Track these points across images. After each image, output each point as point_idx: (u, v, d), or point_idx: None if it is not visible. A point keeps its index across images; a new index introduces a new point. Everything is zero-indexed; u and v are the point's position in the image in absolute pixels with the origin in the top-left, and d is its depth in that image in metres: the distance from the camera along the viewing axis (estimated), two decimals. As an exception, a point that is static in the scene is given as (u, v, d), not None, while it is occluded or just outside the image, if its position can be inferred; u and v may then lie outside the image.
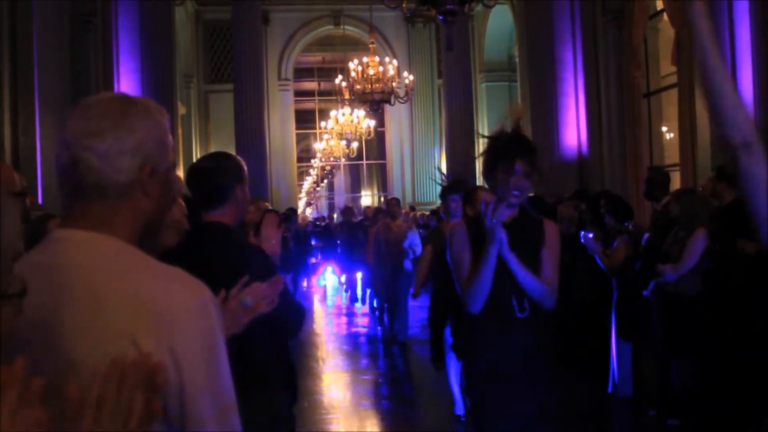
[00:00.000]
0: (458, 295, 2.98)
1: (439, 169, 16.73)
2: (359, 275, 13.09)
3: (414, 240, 9.05)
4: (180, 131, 15.74)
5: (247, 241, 2.83)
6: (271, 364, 2.71)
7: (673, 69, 10.58)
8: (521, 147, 2.95)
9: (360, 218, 15.12)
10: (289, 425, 2.88)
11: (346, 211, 15.04)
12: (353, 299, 13.68)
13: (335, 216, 19.74)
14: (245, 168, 2.72)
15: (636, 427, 5.85)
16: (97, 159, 1.24)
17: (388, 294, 9.49)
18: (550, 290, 2.91)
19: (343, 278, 15.35)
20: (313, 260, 17.03)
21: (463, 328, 3.20)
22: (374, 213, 12.67)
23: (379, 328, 10.45)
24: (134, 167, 1.26)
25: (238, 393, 1.29)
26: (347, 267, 13.69)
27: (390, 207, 9.72)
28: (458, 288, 2.96)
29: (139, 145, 1.27)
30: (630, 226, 6.00)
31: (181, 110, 17.13)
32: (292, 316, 2.62)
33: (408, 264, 9.14)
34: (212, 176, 2.60)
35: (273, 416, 2.62)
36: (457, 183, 5.91)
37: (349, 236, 13.08)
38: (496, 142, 3.01)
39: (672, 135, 12.84)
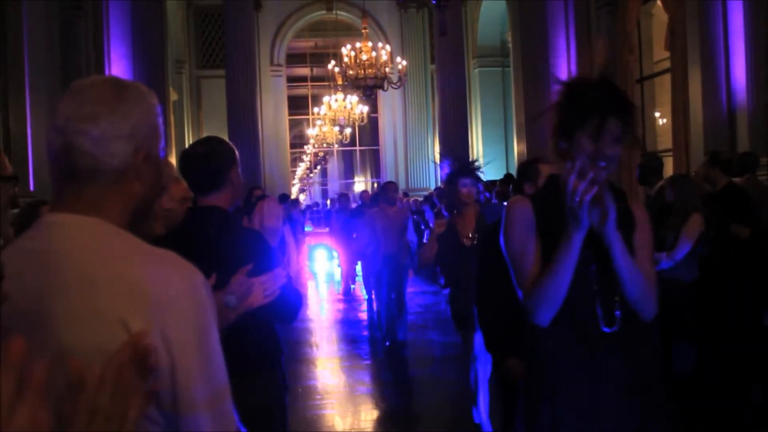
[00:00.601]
0: (510, 300, 2.17)
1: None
2: (358, 267, 11.91)
3: (410, 229, 8.33)
4: (172, 118, 15.68)
5: (241, 223, 2.83)
6: (263, 350, 2.72)
7: (667, 54, 10.57)
8: (613, 100, 2.08)
9: (357, 204, 14.36)
10: (282, 411, 2.88)
11: (342, 198, 14.09)
12: (347, 291, 12.96)
13: (329, 203, 19.38)
14: (237, 152, 2.74)
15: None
16: (91, 144, 1.23)
17: (383, 289, 8.41)
18: (654, 291, 2.08)
19: (338, 266, 14.77)
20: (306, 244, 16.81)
21: (526, 348, 2.17)
22: (372, 198, 11.65)
23: (367, 325, 9.56)
24: (129, 152, 1.26)
25: (230, 379, 1.29)
26: (345, 257, 12.83)
27: (386, 192, 8.70)
28: (518, 290, 2.10)
29: (133, 131, 1.26)
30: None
31: (173, 96, 17.05)
32: (288, 305, 2.62)
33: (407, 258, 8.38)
34: (208, 161, 2.61)
35: (265, 402, 2.63)
36: (469, 165, 5.05)
37: (346, 225, 12.10)
38: (578, 91, 2.14)
39: (665, 120, 12.86)
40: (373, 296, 8.98)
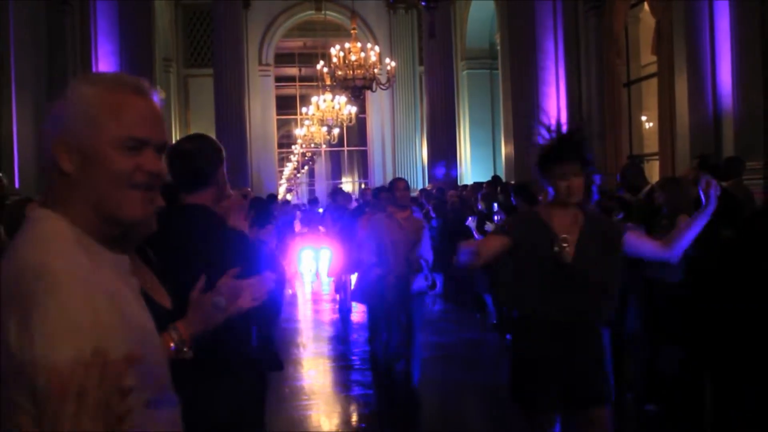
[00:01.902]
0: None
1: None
2: (354, 278, 9.67)
3: (425, 245, 6.28)
4: (159, 116, 15.59)
5: (225, 222, 2.79)
6: (238, 351, 2.69)
7: (654, 58, 10.65)
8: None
9: (358, 203, 12.30)
10: (256, 414, 2.84)
11: (338, 195, 11.09)
12: (343, 309, 10.59)
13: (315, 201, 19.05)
14: (222, 150, 2.70)
15: (613, 411, 5.92)
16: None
17: (390, 318, 6.45)
18: None
19: (327, 278, 12.94)
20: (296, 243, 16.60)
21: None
22: (374, 196, 8.49)
23: (368, 352, 7.74)
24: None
25: (204, 380, 1.28)
26: (338, 268, 10.06)
27: (395, 190, 6.41)
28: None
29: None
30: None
31: (161, 95, 16.96)
32: (270, 308, 2.60)
33: (421, 281, 6.28)
34: (194, 158, 2.56)
35: (239, 404, 2.60)
36: (573, 138, 3.27)
37: (344, 228, 9.22)
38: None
39: (651, 124, 12.94)
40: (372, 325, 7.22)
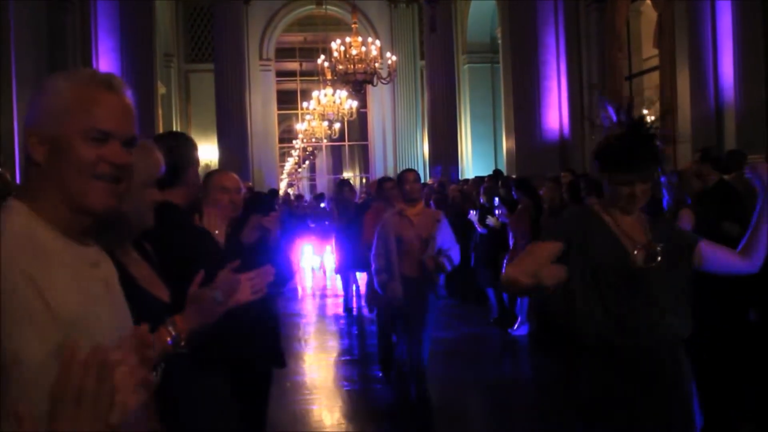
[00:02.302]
0: None
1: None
2: (360, 276, 9.60)
3: (445, 237, 5.49)
4: (160, 111, 15.60)
5: (192, 222, 2.75)
6: (235, 346, 2.65)
7: (655, 52, 10.62)
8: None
9: (364, 197, 11.48)
10: (257, 408, 2.82)
11: (345, 187, 10.14)
12: (348, 307, 10.26)
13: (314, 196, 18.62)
14: (197, 149, 2.71)
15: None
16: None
17: (399, 321, 5.75)
18: None
19: (333, 276, 12.75)
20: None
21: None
22: (378, 188, 7.30)
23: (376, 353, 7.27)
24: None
25: (198, 374, 1.29)
26: (344, 265, 9.49)
27: (405, 185, 5.64)
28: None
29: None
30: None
31: (161, 90, 16.96)
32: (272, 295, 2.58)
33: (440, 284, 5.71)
34: (166, 156, 2.53)
35: (216, 400, 2.58)
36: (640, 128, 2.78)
37: (350, 222, 8.55)
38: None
39: (653, 118, 12.90)
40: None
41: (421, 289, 5.39)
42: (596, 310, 2.58)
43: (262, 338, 3.79)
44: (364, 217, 7.05)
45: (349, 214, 8.85)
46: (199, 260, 2.08)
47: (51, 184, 1.34)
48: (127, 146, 1.41)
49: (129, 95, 1.43)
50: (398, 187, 5.83)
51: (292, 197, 21.16)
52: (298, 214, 15.33)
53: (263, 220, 3.64)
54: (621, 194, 2.61)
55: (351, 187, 10.39)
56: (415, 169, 6.98)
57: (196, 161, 2.65)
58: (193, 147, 2.66)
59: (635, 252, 2.55)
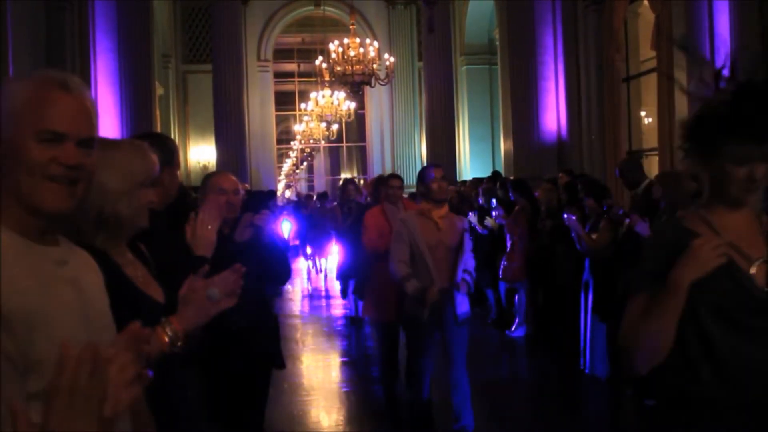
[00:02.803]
0: None
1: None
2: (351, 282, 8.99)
3: (468, 250, 4.90)
4: (158, 112, 15.58)
5: (166, 226, 2.68)
6: (228, 346, 2.62)
7: (653, 54, 10.63)
8: None
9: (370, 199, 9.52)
10: (255, 407, 2.78)
11: (350, 185, 9.41)
12: (352, 317, 9.51)
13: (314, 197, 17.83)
14: (177, 151, 2.67)
15: (612, 406, 5.93)
16: None
17: (426, 347, 4.92)
18: None
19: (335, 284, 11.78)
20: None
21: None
22: (375, 187, 6.92)
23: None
24: None
25: (190, 372, 1.29)
26: (347, 270, 8.68)
27: (432, 183, 4.85)
28: None
29: None
30: (606, 207, 6.07)
31: (159, 91, 16.94)
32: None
33: (465, 304, 4.82)
34: None
35: (231, 396, 2.57)
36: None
37: (354, 225, 7.33)
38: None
39: (651, 120, 12.93)
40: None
41: (447, 301, 4.70)
42: (704, 360, 1.91)
43: (262, 339, 3.79)
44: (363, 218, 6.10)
45: (354, 216, 8.11)
46: (171, 265, 2.06)
47: (7, 184, 1.33)
48: (82, 147, 1.38)
49: (88, 96, 1.41)
50: (421, 183, 5.03)
51: (304, 197, 20.07)
52: (314, 219, 14.15)
53: (254, 218, 3.65)
54: (734, 178, 1.89)
55: (356, 186, 9.46)
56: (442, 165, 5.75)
57: (174, 163, 2.60)
58: (169, 149, 2.61)
59: (753, 270, 1.88)
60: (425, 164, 19.57)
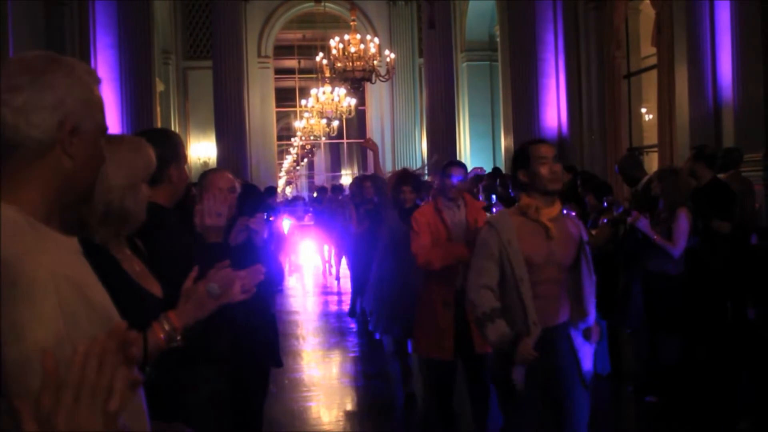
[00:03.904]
0: None
1: None
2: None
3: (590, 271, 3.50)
4: (158, 108, 15.58)
5: (177, 222, 2.67)
6: (207, 342, 2.62)
7: (654, 50, 10.62)
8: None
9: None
10: (219, 407, 2.78)
11: (365, 183, 8.26)
12: (352, 313, 9.22)
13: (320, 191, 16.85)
14: (183, 147, 2.64)
15: (613, 403, 5.94)
16: (11, 114, 1.21)
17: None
18: None
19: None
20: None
21: None
22: (398, 183, 5.50)
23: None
24: (53, 124, 1.23)
25: (188, 368, 1.27)
26: (360, 275, 7.80)
27: (541, 167, 3.25)
28: None
29: (58, 102, 1.23)
30: (607, 204, 6.07)
31: (160, 87, 16.94)
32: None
33: (589, 353, 3.31)
34: None
35: (205, 396, 2.57)
36: None
37: (372, 230, 6.75)
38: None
39: (651, 116, 12.92)
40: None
41: (564, 348, 3.20)
42: None
43: (260, 336, 3.80)
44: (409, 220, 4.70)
45: (371, 218, 6.86)
46: (183, 260, 2.06)
47: (46, 174, 1.27)
48: None
49: None
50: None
51: (318, 189, 18.27)
52: (329, 213, 12.59)
53: (250, 222, 3.61)
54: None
55: (376, 184, 7.25)
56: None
57: (180, 158, 2.57)
58: (174, 144, 2.57)
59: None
60: (426, 161, 19.47)
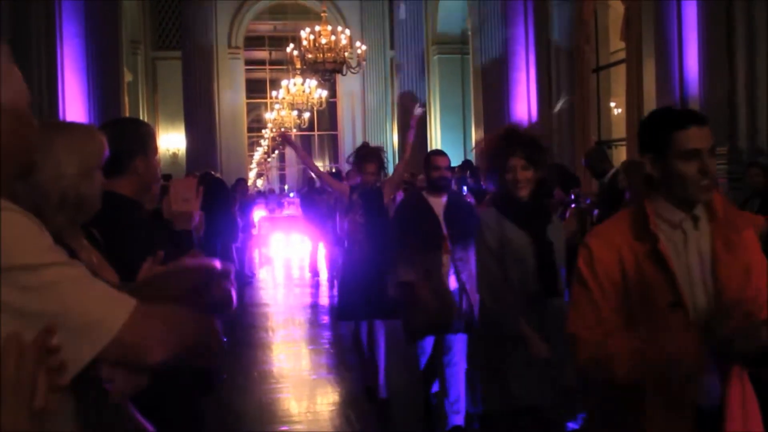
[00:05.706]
0: None
1: None
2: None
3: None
4: (126, 99, 15.38)
5: (141, 215, 2.59)
6: None
7: (623, 45, 10.74)
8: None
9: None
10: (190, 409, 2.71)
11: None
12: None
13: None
14: (154, 138, 2.56)
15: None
16: None
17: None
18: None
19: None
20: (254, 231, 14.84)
21: None
22: (359, 161, 5.69)
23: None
24: None
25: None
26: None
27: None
28: None
29: None
30: (574, 197, 6.13)
31: (128, 77, 16.72)
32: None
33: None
34: (110, 143, 2.28)
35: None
36: None
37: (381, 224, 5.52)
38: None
39: (620, 110, 13.07)
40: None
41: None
42: None
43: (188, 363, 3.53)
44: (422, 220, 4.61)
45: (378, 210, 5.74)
46: (142, 251, 2.01)
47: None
48: None
49: None
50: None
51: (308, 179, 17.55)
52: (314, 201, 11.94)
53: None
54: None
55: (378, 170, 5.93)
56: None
57: (148, 149, 2.49)
58: (142, 134, 2.50)
59: None
60: (397, 153, 19.49)
